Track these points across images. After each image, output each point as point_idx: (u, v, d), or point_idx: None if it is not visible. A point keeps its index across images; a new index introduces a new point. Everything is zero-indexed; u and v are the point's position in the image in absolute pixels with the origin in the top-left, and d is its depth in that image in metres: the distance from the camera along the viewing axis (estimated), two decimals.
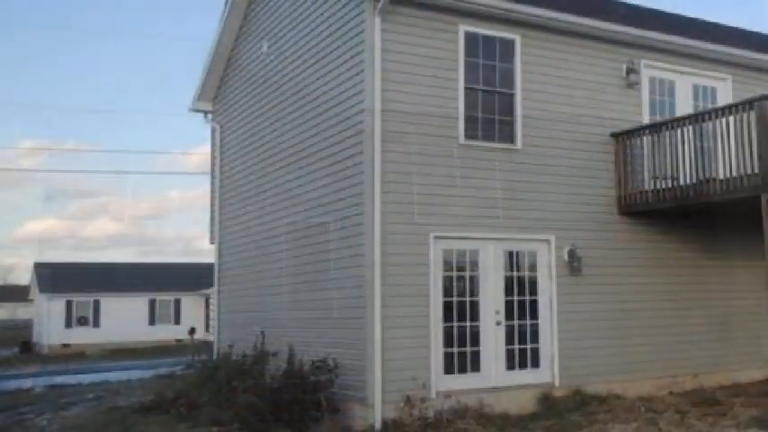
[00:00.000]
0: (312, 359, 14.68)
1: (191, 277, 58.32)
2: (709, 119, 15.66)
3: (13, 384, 27.84)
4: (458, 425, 13.74)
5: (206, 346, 26.50)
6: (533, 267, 16.22)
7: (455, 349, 15.08)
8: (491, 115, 15.91)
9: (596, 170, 17.00)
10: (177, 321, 59.19)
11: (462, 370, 15.11)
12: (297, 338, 16.12)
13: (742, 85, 18.80)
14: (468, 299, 15.43)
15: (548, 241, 16.28)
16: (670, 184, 16.28)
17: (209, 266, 23.91)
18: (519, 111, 16.12)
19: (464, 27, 15.59)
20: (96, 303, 58.31)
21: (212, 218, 22.98)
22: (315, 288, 16.62)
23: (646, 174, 16.89)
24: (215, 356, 19.80)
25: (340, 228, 15.57)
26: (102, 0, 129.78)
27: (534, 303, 16.10)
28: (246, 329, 18.87)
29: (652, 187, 16.67)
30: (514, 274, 16.01)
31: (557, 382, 15.85)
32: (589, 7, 18.84)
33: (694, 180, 15.72)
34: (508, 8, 15.79)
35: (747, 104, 14.70)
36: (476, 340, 15.35)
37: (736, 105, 15.23)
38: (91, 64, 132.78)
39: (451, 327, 15.09)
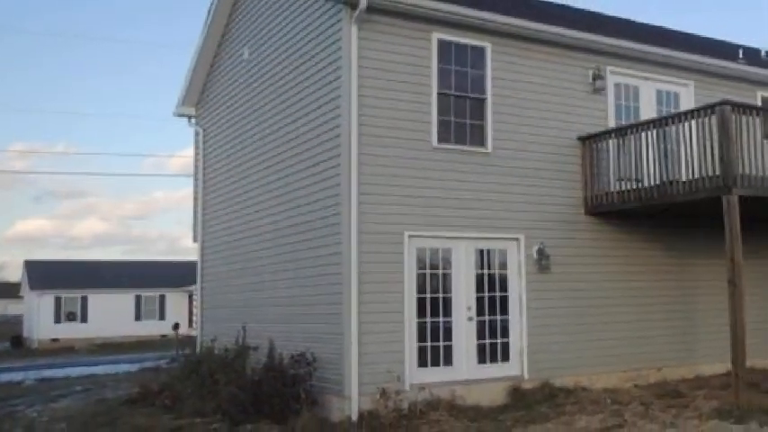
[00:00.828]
0: (291, 353, 14.76)
1: (175, 274, 59.45)
2: (672, 123, 15.85)
3: (4, 378, 28.00)
4: (431, 416, 13.81)
5: (189, 340, 26.45)
6: (503, 265, 16.31)
7: (428, 344, 15.18)
8: (463, 119, 16.03)
9: (564, 172, 17.11)
10: (162, 317, 60.11)
11: (435, 363, 15.21)
12: (277, 333, 16.18)
13: (704, 91, 19.02)
14: (440, 295, 15.52)
15: (517, 240, 16.39)
16: (634, 186, 16.40)
17: (193, 264, 24.02)
18: (489, 115, 16.23)
19: (437, 35, 15.71)
20: (84, 300, 59.03)
21: (195, 218, 23.07)
22: (294, 285, 16.66)
23: (611, 176, 17.03)
24: (198, 351, 19.73)
25: (318, 227, 15.64)
26: (92, 8, 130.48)
27: (504, 300, 16.21)
28: (228, 324, 18.86)
29: (617, 188, 16.80)
30: (485, 271, 16.08)
31: (526, 376, 15.98)
32: (557, 16, 19.10)
33: (658, 182, 15.91)
34: (479, 17, 15.91)
35: (709, 109, 14.91)
36: (448, 335, 15.47)
37: (698, 110, 15.45)
38: (80, 69, 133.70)
39: (425, 322, 15.20)
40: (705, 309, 18.46)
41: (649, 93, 18.78)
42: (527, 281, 16.39)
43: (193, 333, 26.10)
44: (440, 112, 15.72)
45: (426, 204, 15.38)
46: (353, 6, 14.52)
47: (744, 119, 14.93)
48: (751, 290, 16.28)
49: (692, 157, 15.26)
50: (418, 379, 14.78)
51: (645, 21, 24.09)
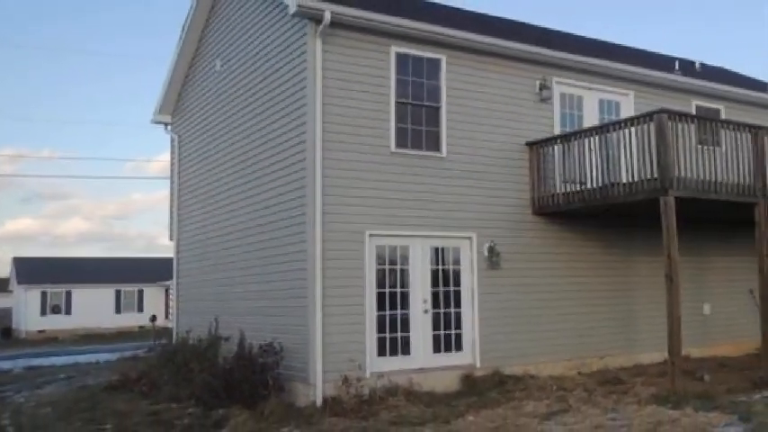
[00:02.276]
0: (260, 343, 14.82)
1: (152, 270, 60.31)
2: (614, 130, 16.03)
3: None
4: (390, 401, 13.95)
5: (166, 331, 25.92)
6: (457, 262, 16.47)
7: (387, 334, 15.37)
8: (419, 126, 16.18)
9: (513, 175, 17.26)
10: (140, 310, 60.82)
11: (394, 353, 15.40)
12: (247, 325, 16.26)
13: (643, 100, 19.30)
14: (398, 290, 15.67)
15: (470, 239, 16.54)
16: (578, 188, 16.59)
17: (169, 261, 24.18)
18: (444, 122, 16.42)
19: (395, 48, 15.88)
20: (68, 294, 59.88)
21: (171, 217, 23.19)
22: (263, 280, 16.80)
23: (557, 178, 17.17)
24: (174, 341, 19.58)
25: (285, 226, 15.77)
26: (76, 24, 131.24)
27: (458, 294, 16.39)
28: (202, 317, 18.91)
29: (562, 190, 16.98)
30: (440, 267, 16.25)
31: (478, 364, 16.15)
32: (507, 30, 19.34)
33: (600, 184, 16.09)
34: (434, 31, 16.11)
35: (647, 117, 15.14)
36: (406, 326, 15.66)
37: (637, 118, 15.69)
38: (64, 80, 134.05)
39: (384, 314, 15.38)
40: (644, 302, 18.67)
41: (592, 102, 18.96)
42: (478, 276, 16.53)
43: (169, 325, 26.04)
44: (398, 120, 15.85)
45: (385, 205, 15.53)
46: (317, 22, 14.70)
47: (679, 126, 15.17)
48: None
49: (631, 161, 15.44)
50: (378, 367, 14.95)
51: (588, 35, 24.17)
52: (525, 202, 17.48)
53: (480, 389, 15.21)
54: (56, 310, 60.04)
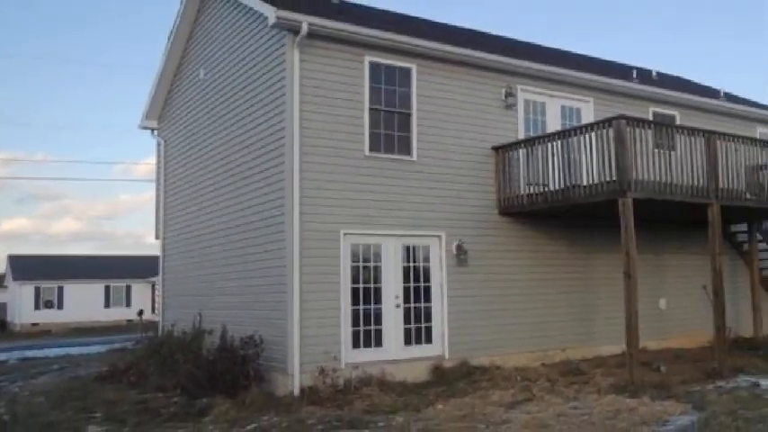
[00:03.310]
0: (242, 336, 14.89)
1: (139, 267, 61.09)
2: (575, 135, 16.15)
3: None
4: (364, 391, 14.04)
5: (152, 325, 25.44)
6: (427, 259, 16.57)
7: (361, 328, 15.49)
8: (391, 131, 16.29)
9: (480, 178, 17.38)
10: (128, 304, 61.23)
11: (368, 345, 15.53)
12: (229, 319, 16.31)
13: (602, 106, 19.42)
14: (372, 285, 15.80)
15: (439, 237, 16.67)
16: (541, 190, 16.73)
17: (155, 258, 24.23)
18: (415, 128, 16.54)
19: (369, 58, 15.99)
20: (60, 289, 60.29)
21: (158, 217, 23.18)
22: (244, 276, 16.84)
23: (521, 181, 17.25)
24: (160, 334, 19.55)
25: (265, 226, 15.84)
26: (68, 36, 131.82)
27: (428, 289, 16.51)
28: (186, 311, 19.02)
29: (526, 192, 17.11)
30: (411, 264, 16.36)
31: (446, 355, 16.28)
32: (474, 40, 19.45)
33: (562, 186, 16.23)
34: (405, 42, 16.27)
35: (606, 123, 15.26)
36: (379, 320, 15.78)
37: (597, 123, 15.84)
38: (57, 88, 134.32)
39: (358, 309, 15.50)
40: (603, 297, 18.79)
41: (555, 108, 19.08)
42: (447, 273, 16.65)
43: (156, 318, 25.90)
44: (371, 125, 15.98)
45: (359, 206, 15.64)
46: (295, 33, 14.85)
47: (637, 131, 15.27)
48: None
49: (591, 164, 15.56)
50: (352, 359, 15.06)
51: (552, 45, 24.30)
52: (491, 203, 17.60)
53: (449, 379, 15.32)
54: (49, 304, 60.53)
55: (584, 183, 15.90)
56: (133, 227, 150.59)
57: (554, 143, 16.63)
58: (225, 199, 18.21)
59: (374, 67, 16.19)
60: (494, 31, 23.70)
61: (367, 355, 15.48)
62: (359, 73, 15.97)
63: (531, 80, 18.60)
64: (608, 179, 15.16)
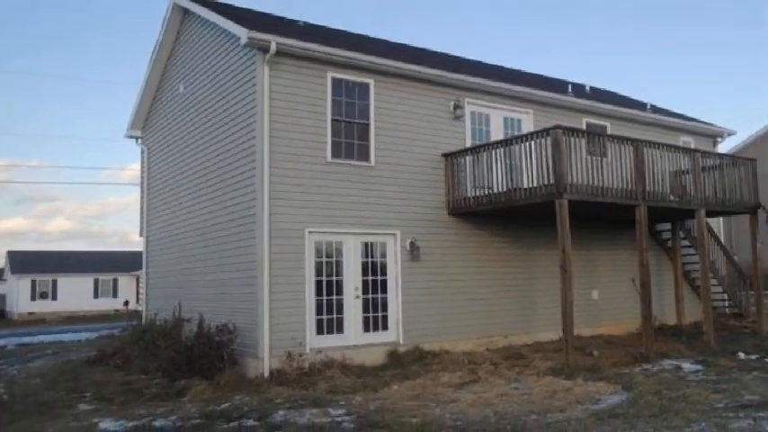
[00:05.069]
0: (217, 324, 15.03)
1: (125, 262, 61.77)
2: (516, 143, 16.33)
3: None
4: (326, 373, 14.23)
5: (137, 314, 25.35)
6: (383, 255, 16.80)
7: (324, 316, 15.69)
8: (351, 140, 16.45)
9: (431, 181, 17.57)
10: (115, 295, 61.67)
11: (330, 332, 15.72)
12: (206, 308, 16.50)
13: (541, 117, 19.72)
14: (334, 278, 15.99)
15: (394, 235, 16.89)
16: (486, 192, 16.93)
17: (139, 254, 24.41)
18: (372, 137, 16.72)
19: (331, 74, 16.19)
20: (54, 282, 60.60)
21: (142, 217, 23.36)
22: (219, 270, 16.99)
23: (468, 184, 17.44)
24: (143, 322, 19.66)
25: (238, 224, 15.98)
26: (61, 54, 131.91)
27: (384, 282, 16.74)
28: (168, 301, 19.00)
29: (473, 194, 17.28)
30: (369, 259, 16.58)
31: (401, 341, 16.51)
32: (427, 58, 19.80)
33: (504, 189, 16.46)
34: (364, 59, 16.51)
35: (545, 132, 15.47)
36: (340, 309, 15.97)
37: (536, 133, 15.97)
38: (49, 100, 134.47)
39: (322, 299, 15.70)
40: (542, 289, 19.11)
41: (498, 119, 19.30)
42: (401, 267, 16.86)
43: (140, 308, 25.78)
44: (333, 134, 16.14)
45: (323, 207, 15.79)
46: (265, 51, 15.06)
47: (572, 140, 15.42)
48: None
49: (531, 169, 15.73)
50: (316, 344, 15.29)
51: (496, 62, 24.80)
52: (441, 204, 17.78)
53: (403, 362, 15.52)
54: (44, 295, 60.95)
55: (525, 186, 16.06)
56: (120, 226, 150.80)
57: (497, 150, 16.80)
58: (202, 200, 18.31)
59: (336, 82, 16.35)
60: (444, 50, 23.94)
61: (329, 340, 15.66)
62: (322, 87, 16.11)
63: (478, 94, 18.80)
64: (546, 183, 15.32)
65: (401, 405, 11.52)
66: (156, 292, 22.07)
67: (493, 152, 16.95)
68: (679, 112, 25.97)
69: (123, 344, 18.06)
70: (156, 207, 22.22)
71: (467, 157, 17.71)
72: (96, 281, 63.59)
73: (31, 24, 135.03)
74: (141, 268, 23.78)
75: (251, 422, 10.59)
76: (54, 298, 61.53)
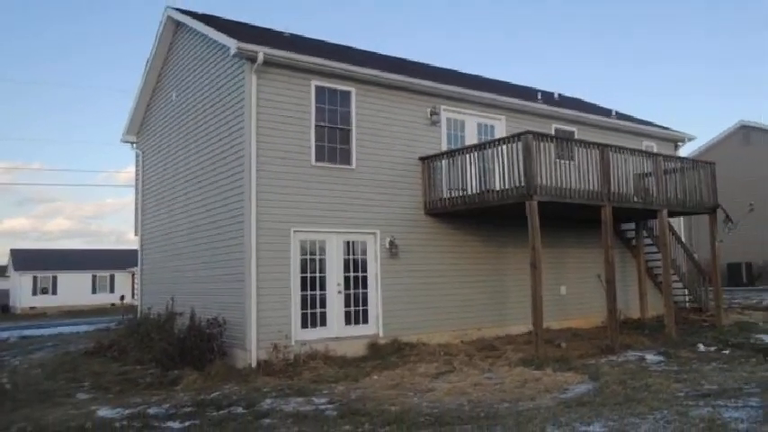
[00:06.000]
0: (208, 318, 15.22)
1: (122, 259, 62.42)
2: (489, 147, 16.48)
3: None
4: (311, 364, 14.35)
5: (132, 308, 25.52)
6: (364, 252, 16.91)
7: (309, 310, 15.81)
8: (334, 144, 16.55)
9: (409, 183, 17.73)
10: (112, 291, 62.47)
11: (314, 325, 15.83)
12: (197, 303, 16.62)
13: (513, 123, 19.93)
14: (318, 275, 16.08)
15: (374, 234, 17.03)
16: (461, 194, 17.05)
17: (134, 252, 24.49)
18: (354, 141, 16.84)
19: (315, 82, 16.32)
20: (54, 278, 61.21)
21: (137, 217, 23.47)
22: (209, 267, 17.06)
23: (444, 186, 17.59)
24: (138, 316, 19.81)
25: (227, 224, 16.04)
26: (62, 63, 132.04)
27: (365, 278, 16.85)
28: (161, 296, 19.30)
29: (448, 196, 17.42)
30: (351, 257, 16.69)
31: (381, 334, 16.66)
32: (405, 68, 19.96)
33: (478, 190, 16.60)
34: (346, 69, 16.66)
35: (516, 137, 15.60)
36: (323, 304, 16.09)
37: (508, 138, 16.06)
38: (49, 107, 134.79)
39: (306, 294, 15.80)
40: (513, 284, 19.24)
41: (472, 125, 19.47)
42: (381, 264, 16.99)
43: (135, 303, 25.77)
44: (317, 139, 16.24)
45: (307, 208, 15.89)
46: (253, 61, 15.18)
47: (542, 144, 15.53)
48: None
49: (503, 172, 15.86)
50: (301, 337, 15.42)
51: (470, 71, 24.88)
52: (419, 205, 17.92)
53: (383, 354, 15.69)
54: (44, 291, 61.53)
55: (497, 188, 16.16)
56: (116, 225, 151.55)
57: (472, 154, 16.97)
58: (193, 201, 18.38)
59: (320, 90, 16.48)
60: (422, 60, 24.07)
61: (313, 333, 15.79)
62: (306, 95, 16.24)
63: (453, 101, 18.99)
64: (517, 185, 15.47)
65: (381, 394, 11.64)
66: (150, 287, 22.10)
67: (467, 156, 17.10)
68: (643, 118, 26.25)
69: (119, 336, 18.11)
70: (151, 208, 22.25)
71: (443, 161, 17.84)
72: (94, 277, 64.18)
73: (33, 35, 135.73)
74: (136, 265, 23.85)
75: (240, 410, 10.69)
76: (54, 293, 62.08)
